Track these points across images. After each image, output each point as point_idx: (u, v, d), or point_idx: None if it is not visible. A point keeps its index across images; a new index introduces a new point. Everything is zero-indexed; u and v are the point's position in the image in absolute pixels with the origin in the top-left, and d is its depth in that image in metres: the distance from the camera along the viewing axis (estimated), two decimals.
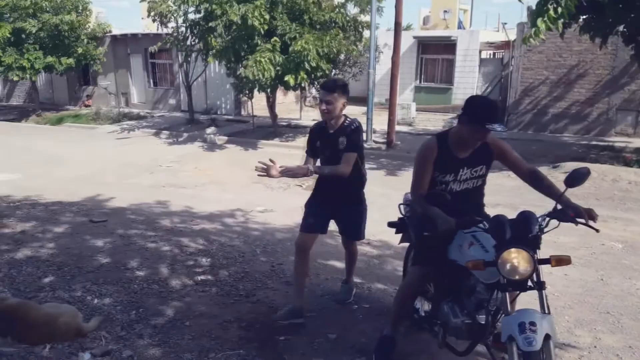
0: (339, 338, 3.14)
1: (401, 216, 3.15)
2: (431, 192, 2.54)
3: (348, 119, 3.29)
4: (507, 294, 2.24)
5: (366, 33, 13.40)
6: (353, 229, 3.56)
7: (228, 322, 3.28)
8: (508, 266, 2.15)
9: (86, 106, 20.70)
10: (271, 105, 13.89)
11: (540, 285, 2.19)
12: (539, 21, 7.07)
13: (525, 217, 2.26)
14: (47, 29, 17.57)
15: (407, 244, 3.39)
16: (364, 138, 13.53)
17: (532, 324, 2.04)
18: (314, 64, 11.22)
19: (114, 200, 6.95)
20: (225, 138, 13.95)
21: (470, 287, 2.46)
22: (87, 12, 19.49)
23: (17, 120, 18.33)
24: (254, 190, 8.44)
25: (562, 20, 7.09)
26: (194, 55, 14.83)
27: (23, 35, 17.54)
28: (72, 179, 9.06)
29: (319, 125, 3.43)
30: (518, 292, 2.33)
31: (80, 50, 18.40)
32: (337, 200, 3.36)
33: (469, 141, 2.56)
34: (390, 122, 12.24)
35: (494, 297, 2.35)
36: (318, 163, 3.41)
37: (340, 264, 4.57)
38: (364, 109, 13.84)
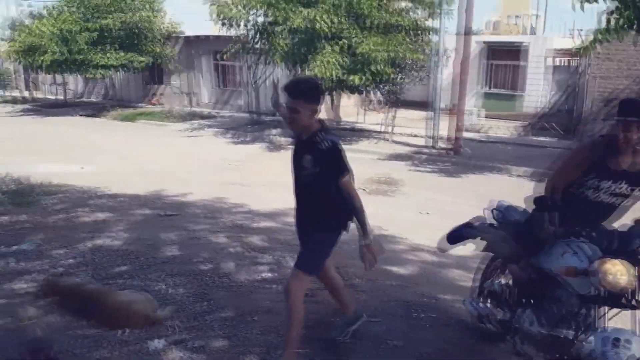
0: (403, 346, 3.11)
1: (490, 222, 3.02)
2: (541, 197, 2.43)
3: (320, 135, 2.66)
4: (600, 308, 2.14)
5: (432, 37, 13.21)
6: (300, 254, 2.94)
7: None
8: (610, 277, 2.03)
9: (153, 104, 21.60)
10: (334, 107, 13.97)
11: (636, 304, 2.07)
12: (596, 33, 6.93)
13: (631, 231, 2.15)
14: (125, 27, 18.56)
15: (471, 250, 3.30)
16: (430, 143, 13.30)
17: (627, 341, 1.94)
18: (380, 67, 11.21)
19: (184, 195, 7.22)
20: (290, 139, 14.15)
21: (556, 297, 2.37)
22: (162, 13, 20.42)
23: (94, 116, 19.44)
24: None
25: (622, 31, 6.84)
26: (260, 57, 15.20)
27: (105, 34, 18.62)
28: (145, 173, 9.49)
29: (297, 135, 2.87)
30: (609, 307, 2.21)
31: (156, 49, 19.34)
32: (305, 223, 2.95)
33: (627, 144, 2.34)
34: (457, 128, 11.99)
35: (582, 311, 2.25)
36: None
37: (404, 270, 4.53)
38: (429, 113, 13.65)
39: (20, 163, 8.60)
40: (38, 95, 26.11)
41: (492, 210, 3.00)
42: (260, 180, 9.57)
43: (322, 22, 11.18)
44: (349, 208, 2.72)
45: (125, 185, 7.66)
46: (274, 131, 14.56)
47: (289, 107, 2.66)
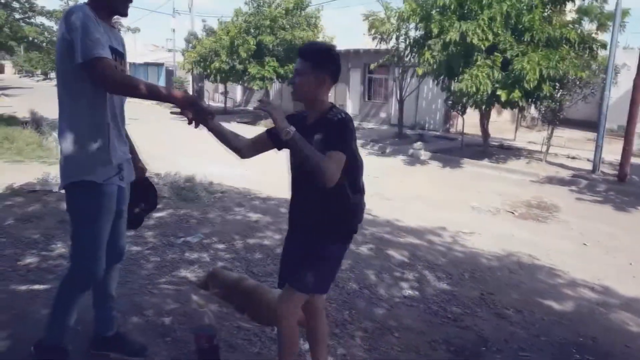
0: None
1: None
2: None
3: (334, 109, 2.30)
4: None
5: (600, 52, 11.99)
6: (298, 270, 2.30)
7: (436, 342, 3.24)
8: None
9: None
10: (484, 123, 13.39)
11: None
12: None
13: None
14: (282, 43, 19.91)
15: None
16: (591, 167, 12.12)
17: None
18: (533, 85, 10.51)
19: None
20: (430, 154, 13.89)
21: None
22: (317, 29, 21.48)
23: (251, 124, 21.04)
24: (460, 209, 8.21)
25: None
26: (409, 71, 15.19)
27: (263, 49, 20.20)
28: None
29: (298, 114, 2.41)
30: None
31: None
32: (306, 229, 2.36)
33: None
34: (625, 153, 10.70)
35: None
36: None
37: (561, 305, 4.16)
38: (593, 134, 12.40)
39: (185, 163, 9.63)
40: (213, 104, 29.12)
41: None
42: (401, 194, 9.51)
43: (476, 36, 10.80)
44: (360, 207, 2.35)
45: (277, 190, 8.14)
46: (416, 145, 14.40)
47: (295, 69, 2.30)
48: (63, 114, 2.21)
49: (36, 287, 3.39)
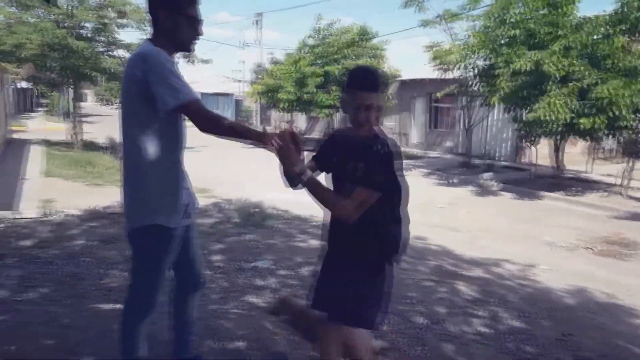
0: None
1: None
2: None
3: (380, 137, 2.18)
4: None
5: None
6: (335, 300, 2.25)
7: None
8: None
9: None
10: (557, 153, 12.85)
11: None
12: None
13: None
14: (346, 73, 20.24)
15: None
16: None
17: None
18: (618, 112, 10.00)
19: None
20: (501, 185, 13.44)
21: None
22: (382, 59, 21.67)
23: (313, 151, 21.40)
24: (533, 244, 7.85)
25: None
26: (476, 99, 14.95)
27: (330, 79, 20.61)
28: None
29: (344, 134, 2.35)
30: None
31: None
32: (340, 257, 2.28)
33: None
34: None
35: None
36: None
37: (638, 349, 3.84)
38: None
39: (253, 189, 9.87)
40: (269, 129, 29.99)
41: None
42: (468, 225, 9.24)
43: (550, 65, 10.49)
44: (398, 238, 2.24)
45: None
46: (485, 175, 14.00)
47: (367, 104, 2.11)
48: (135, 153, 2.17)
49: (118, 306, 3.55)
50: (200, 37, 2.26)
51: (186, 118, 2.19)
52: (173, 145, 2.23)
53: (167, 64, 2.08)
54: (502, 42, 11.81)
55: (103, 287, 4.00)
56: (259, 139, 2.05)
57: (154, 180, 2.17)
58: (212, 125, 2.09)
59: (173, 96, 2.03)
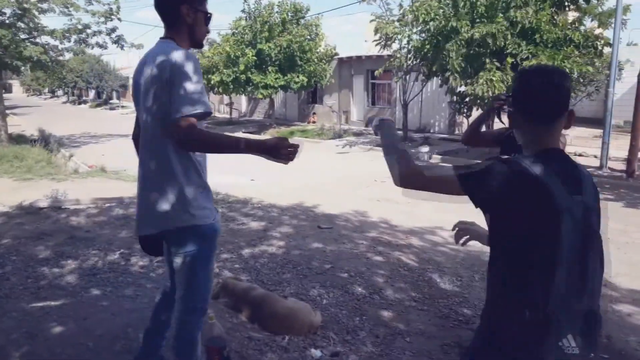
0: None
1: None
2: None
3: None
4: None
5: (604, 49, 11.96)
6: None
7: (448, 345, 3.22)
8: None
9: (312, 122, 22.95)
10: (490, 124, 13.34)
11: None
12: None
13: None
14: (284, 52, 20.07)
15: None
16: (598, 164, 12.04)
17: None
18: None
19: (334, 208, 7.47)
20: (439, 157, 13.87)
21: None
22: (319, 37, 21.61)
23: (256, 133, 21.13)
24: (467, 211, 8.14)
25: None
26: (412, 75, 15.23)
27: (265, 58, 20.36)
28: (301, 187, 10.02)
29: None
30: None
31: (311, 69, 20.60)
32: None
33: None
34: (632, 149, 10.62)
35: None
36: None
37: None
38: (599, 131, 12.34)
39: None
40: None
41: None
42: (407, 198, 9.49)
43: (500, 37, 10.84)
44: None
45: (284, 197, 8.17)
46: (422, 148, 14.38)
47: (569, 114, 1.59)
48: (166, 155, 2.08)
49: (47, 303, 3.42)
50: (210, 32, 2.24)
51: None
52: None
53: (192, 70, 1.99)
54: (450, 10, 11.99)
55: (31, 286, 3.82)
56: (269, 153, 2.05)
57: (192, 180, 2.11)
58: (203, 146, 2.09)
59: (186, 106, 1.96)
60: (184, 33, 2.14)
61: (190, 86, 1.96)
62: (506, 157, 1.63)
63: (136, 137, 2.31)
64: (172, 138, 2.00)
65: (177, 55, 2.00)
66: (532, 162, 1.51)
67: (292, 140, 2.09)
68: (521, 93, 1.61)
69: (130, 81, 2.29)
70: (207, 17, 2.20)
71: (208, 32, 2.25)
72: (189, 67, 1.98)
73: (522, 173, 1.50)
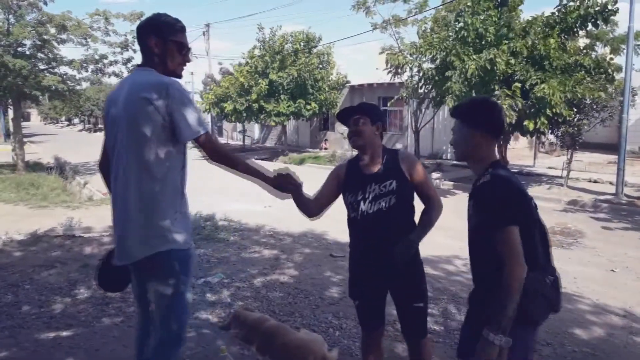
0: None
1: None
2: None
3: (490, 169, 2.04)
4: None
5: (617, 75, 11.95)
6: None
7: None
8: None
9: (324, 149, 23.10)
10: (502, 150, 13.31)
11: None
12: None
13: None
14: (295, 80, 20.33)
15: None
16: (614, 190, 11.89)
17: None
18: (557, 110, 10.47)
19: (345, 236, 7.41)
20: (451, 183, 13.80)
21: None
22: (330, 66, 21.89)
23: (268, 160, 21.25)
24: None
25: None
26: (424, 102, 15.33)
27: (277, 87, 20.64)
28: None
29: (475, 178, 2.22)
30: None
31: (322, 97, 20.82)
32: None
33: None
34: None
35: None
36: None
37: (589, 335, 4.02)
38: (613, 157, 12.21)
39: (208, 201, 9.70)
40: (222, 141, 29.57)
41: None
42: None
43: (502, 63, 10.88)
44: (537, 289, 1.92)
45: (295, 224, 8.15)
46: (434, 174, 14.34)
47: (451, 129, 2.20)
48: (148, 180, 2.11)
49: (59, 334, 3.41)
50: (188, 63, 2.30)
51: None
52: (184, 170, 2.24)
53: (187, 94, 2.14)
54: (453, 42, 12.11)
55: (44, 315, 3.82)
56: (273, 185, 2.56)
57: (171, 206, 2.14)
58: (221, 158, 2.27)
59: (198, 126, 2.11)
60: (156, 64, 2.19)
61: (193, 109, 2.10)
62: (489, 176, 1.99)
63: (102, 166, 2.33)
64: (203, 151, 2.18)
65: (169, 84, 2.08)
66: (505, 171, 2.03)
67: (281, 171, 2.56)
68: (496, 118, 2.05)
69: (110, 109, 2.25)
70: (181, 47, 2.22)
71: (184, 62, 2.27)
72: (186, 93, 2.13)
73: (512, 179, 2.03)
